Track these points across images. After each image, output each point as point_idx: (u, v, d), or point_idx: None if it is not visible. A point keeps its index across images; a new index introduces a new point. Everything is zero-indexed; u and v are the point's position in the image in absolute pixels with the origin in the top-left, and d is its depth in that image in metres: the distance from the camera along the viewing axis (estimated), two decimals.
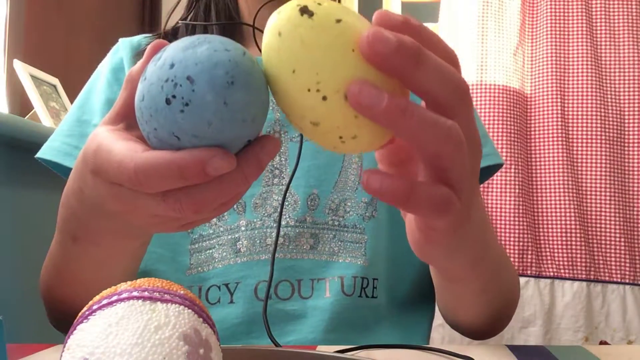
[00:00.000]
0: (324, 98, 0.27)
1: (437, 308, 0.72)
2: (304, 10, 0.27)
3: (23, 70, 1.25)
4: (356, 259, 0.64)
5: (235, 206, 0.64)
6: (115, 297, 0.27)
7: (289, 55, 0.28)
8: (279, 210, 0.62)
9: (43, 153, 0.65)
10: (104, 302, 0.27)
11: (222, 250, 0.63)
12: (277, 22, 0.28)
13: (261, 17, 0.63)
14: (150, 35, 0.73)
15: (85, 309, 0.28)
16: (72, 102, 1.31)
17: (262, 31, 0.71)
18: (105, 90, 0.68)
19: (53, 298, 0.55)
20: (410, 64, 0.27)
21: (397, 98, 0.27)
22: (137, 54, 0.69)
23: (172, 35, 0.71)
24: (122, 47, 0.71)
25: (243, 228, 0.63)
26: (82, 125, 0.67)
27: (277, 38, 0.28)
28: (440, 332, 1.54)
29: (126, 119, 0.36)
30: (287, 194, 0.64)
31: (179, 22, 0.71)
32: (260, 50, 0.62)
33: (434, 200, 0.29)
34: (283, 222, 0.63)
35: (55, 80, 1.38)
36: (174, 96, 0.28)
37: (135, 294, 0.27)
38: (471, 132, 0.31)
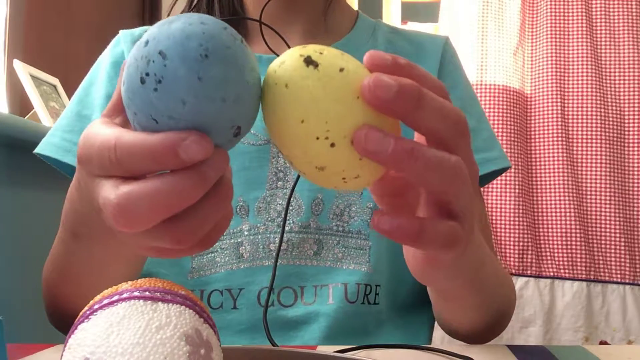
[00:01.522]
0: (332, 145, 0.28)
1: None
2: (309, 62, 0.28)
3: (23, 70, 1.25)
4: (360, 266, 0.63)
5: (237, 209, 0.63)
6: (116, 297, 0.27)
7: (297, 107, 0.28)
8: (281, 215, 0.62)
9: (42, 149, 0.63)
10: (105, 301, 0.27)
11: (224, 254, 0.62)
12: (283, 73, 0.28)
13: (267, 12, 0.63)
14: None
15: (86, 308, 0.28)
16: None
17: (269, 27, 0.70)
18: (106, 84, 0.66)
19: (53, 295, 0.55)
20: (411, 106, 0.28)
21: (403, 141, 0.28)
22: None
23: None
24: (123, 40, 0.69)
25: (246, 232, 0.62)
26: (82, 120, 0.65)
27: (284, 90, 0.28)
28: (440, 332, 1.54)
29: (123, 111, 0.33)
30: (291, 199, 0.63)
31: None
32: (267, 46, 0.61)
33: (442, 236, 0.30)
34: (287, 228, 0.62)
35: (55, 80, 1.38)
36: (147, 74, 0.26)
37: (136, 293, 0.27)
38: (471, 160, 0.32)
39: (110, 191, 0.28)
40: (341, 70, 0.28)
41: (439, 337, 1.57)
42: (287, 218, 0.62)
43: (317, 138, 0.28)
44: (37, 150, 0.64)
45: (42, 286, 0.56)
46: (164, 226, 0.28)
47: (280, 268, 0.61)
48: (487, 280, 0.50)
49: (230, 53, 0.26)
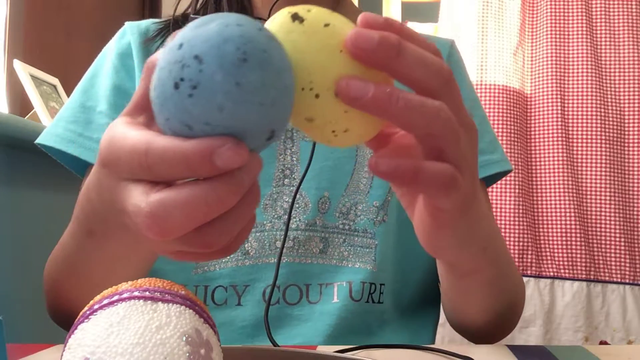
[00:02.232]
0: (317, 96, 0.29)
1: (439, 314, 0.72)
2: (295, 17, 0.30)
3: (23, 70, 1.25)
4: (365, 264, 0.63)
5: None
6: (116, 297, 0.27)
7: None
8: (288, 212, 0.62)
9: (44, 139, 0.62)
10: (105, 301, 0.27)
11: None
12: (270, 28, 0.30)
13: (277, 9, 0.62)
14: (159, 20, 0.70)
15: (86, 308, 0.28)
16: None
17: None
18: (112, 75, 0.65)
19: (58, 292, 0.54)
20: (392, 55, 0.29)
21: (383, 86, 0.29)
22: (147, 39, 0.66)
23: (183, 21, 0.68)
24: (130, 32, 0.68)
25: (252, 229, 0.62)
26: (86, 111, 0.64)
27: None
28: (441, 332, 1.54)
29: (145, 111, 0.32)
30: (298, 196, 0.63)
31: (191, 16, 0.67)
32: None
33: (439, 176, 0.31)
34: (293, 225, 0.62)
35: (55, 80, 1.38)
36: (182, 79, 0.25)
37: (136, 293, 0.27)
38: (462, 114, 0.33)
39: (141, 198, 0.28)
40: (326, 25, 0.30)
41: (439, 337, 1.57)
42: (294, 216, 0.62)
43: (302, 89, 0.29)
44: (38, 140, 0.62)
45: (45, 283, 0.56)
46: (195, 231, 0.28)
47: (287, 266, 0.61)
48: (500, 253, 0.50)
49: (267, 57, 0.25)
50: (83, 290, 0.49)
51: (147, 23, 0.69)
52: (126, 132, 0.30)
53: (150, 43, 0.67)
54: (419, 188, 0.32)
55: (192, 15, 0.67)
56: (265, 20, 0.65)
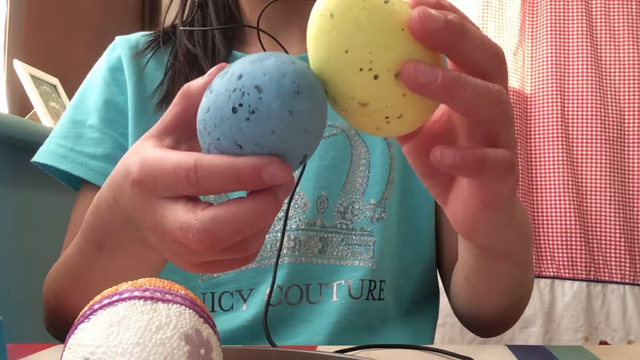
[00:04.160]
0: (376, 77, 0.28)
1: (439, 309, 0.72)
2: None
3: (23, 70, 1.25)
4: (364, 262, 0.63)
5: None
6: (116, 297, 0.27)
7: (342, 36, 0.28)
8: (289, 213, 0.62)
9: (38, 157, 0.64)
10: (105, 301, 0.27)
11: None
12: (328, 3, 0.29)
13: (265, 15, 0.61)
14: (149, 32, 0.70)
15: (86, 308, 0.28)
16: None
17: (266, 32, 0.69)
18: (103, 90, 0.66)
19: (60, 307, 0.54)
20: (458, 37, 0.29)
21: (450, 71, 0.29)
22: (137, 53, 0.67)
23: (172, 32, 0.69)
24: (120, 46, 0.68)
25: None
26: (76, 125, 0.65)
27: (329, 20, 0.29)
28: (441, 332, 1.54)
29: (175, 132, 0.35)
30: (297, 197, 0.63)
31: (180, 28, 0.67)
32: (264, 51, 0.62)
33: (502, 163, 0.31)
34: (294, 226, 0.62)
35: (55, 80, 1.38)
36: (240, 104, 0.28)
37: (136, 293, 0.27)
38: (508, 94, 0.33)
39: (190, 215, 0.30)
40: (386, 2, 0.28)
41: (439, 337, 1.57)
42: (294, 216, 0.63)
43: (361, 69, 0.28)
44: (34, 158, 0.64)
45: (46, 296, 0.56)
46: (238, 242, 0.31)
47: (288, 266, 0.61)
48: (528, 233, 0.49)
49: (315, 91, 0.29)
50: (87, 302, 0.49)
51: (137, 36, 0.70)
52: (162, 153, 0.32)
53: (140, 56, 0.67)
54: (482, 177, 0.31)
55: (180, 27, 0.67)
56: (255, 28, 0.64)
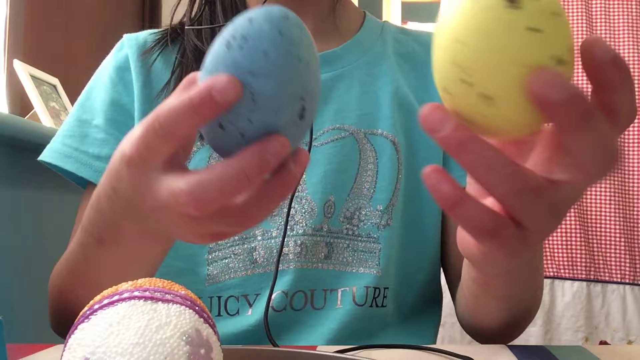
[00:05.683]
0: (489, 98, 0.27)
1: (441, 314, 0.71)
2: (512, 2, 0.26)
3: (23, 70, 1.25)
4: (370, 269, 0.62)
5: None
6: (116, 297, 0.27)
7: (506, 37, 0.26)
8: (294, 218, 0.61)
9: (45, 155, 0.64)
10: (105, 301, 0.27)
11: (237, 260, 0.62)
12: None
13: None
14: (157, 31, 0.69)
15: (86, 308, 0.28)
16: (72, 102, 1.30)
17: None
18: (109, 90, 0.65)
19: (64, 303, 0.54)
20: (572, 124, 0.26)
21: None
22: (145, 51, 0.66)
23: (180, 30, 0.68)
24: (128, 44, 0.67)
25: (259, 237, 0.62)
26: (82, 125, 0.64)
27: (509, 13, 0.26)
28: (441, 332, 1.54)
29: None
30: (304, 201, 0.62)
31: (187, 26, 0.66)
32: None
33: (478, 223, 0.29)
34: (300, 231, 0.62)
35: (55, 80, 1.38)
36: (233, 37, 0.29)
37: (136, 293, 0.27)
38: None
39: (178, 181, 0.32)
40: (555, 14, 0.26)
41: (439, 338, 1.57)
42: (301, 221, 0.62)
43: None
44: (41, 157, 0.64)
45: (51, 292, 0.56)
46: (240, 209, 0.33)
47: (294, 272, 0.61)
48: (532, 278, 0.50)
49: (302, 24, 0.30)
50: (90, 297, 0.49)
51: (145, 34, 0.69)
52: (142, 122, 0.33)
53: (148, 55, 0.66)
54: (454, 219, 0.30)
55: (188, 26, 0.66)
56: None
